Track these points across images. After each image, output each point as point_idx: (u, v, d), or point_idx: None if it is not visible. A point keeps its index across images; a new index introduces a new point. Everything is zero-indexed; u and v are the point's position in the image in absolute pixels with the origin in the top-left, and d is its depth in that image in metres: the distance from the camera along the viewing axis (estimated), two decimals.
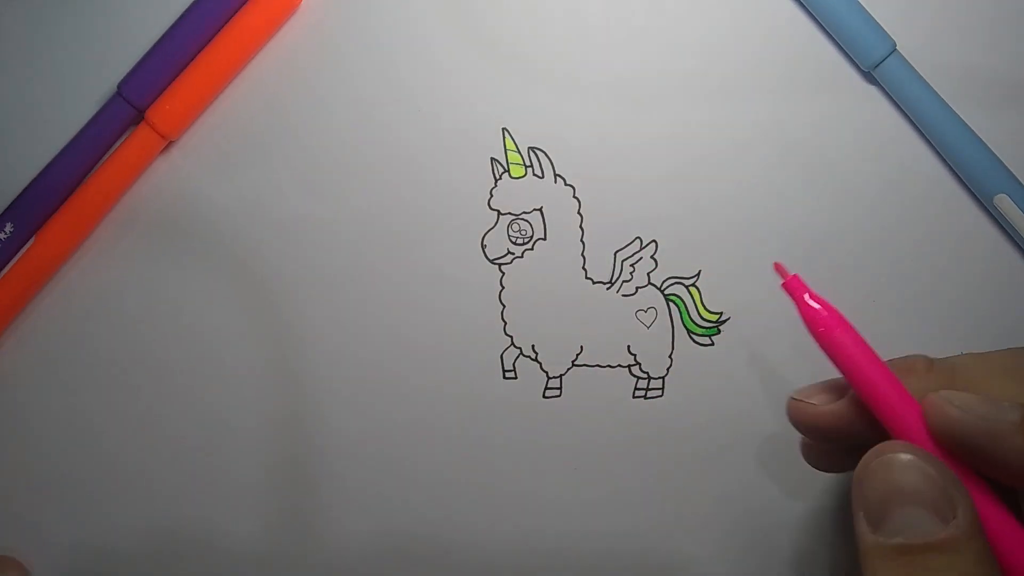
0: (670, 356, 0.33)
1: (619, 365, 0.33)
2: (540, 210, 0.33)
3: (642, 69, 0.33)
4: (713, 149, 0.33)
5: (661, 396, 0.33)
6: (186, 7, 0.33)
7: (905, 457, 0.21)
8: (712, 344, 0.33)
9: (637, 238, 0.33)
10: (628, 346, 0.33)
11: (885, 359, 0.24)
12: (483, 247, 0.33)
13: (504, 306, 0.33)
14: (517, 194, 0.33)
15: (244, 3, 0.33)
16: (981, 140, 0.32)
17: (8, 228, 0.32)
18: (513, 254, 0.33)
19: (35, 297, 0.33)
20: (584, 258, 0.33)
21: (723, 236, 0.33)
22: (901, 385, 0.23)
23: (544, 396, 0.33)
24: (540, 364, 0.33)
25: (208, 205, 0.33)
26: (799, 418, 0.26)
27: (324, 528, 0.33)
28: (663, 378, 0.33)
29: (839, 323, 0.24)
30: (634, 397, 0.33)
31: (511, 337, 0.33)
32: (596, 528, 0.33)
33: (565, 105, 0.33)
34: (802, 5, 0.33)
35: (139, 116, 0.33)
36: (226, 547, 0.33)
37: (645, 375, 0.33)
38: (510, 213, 0.33)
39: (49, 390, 0.33)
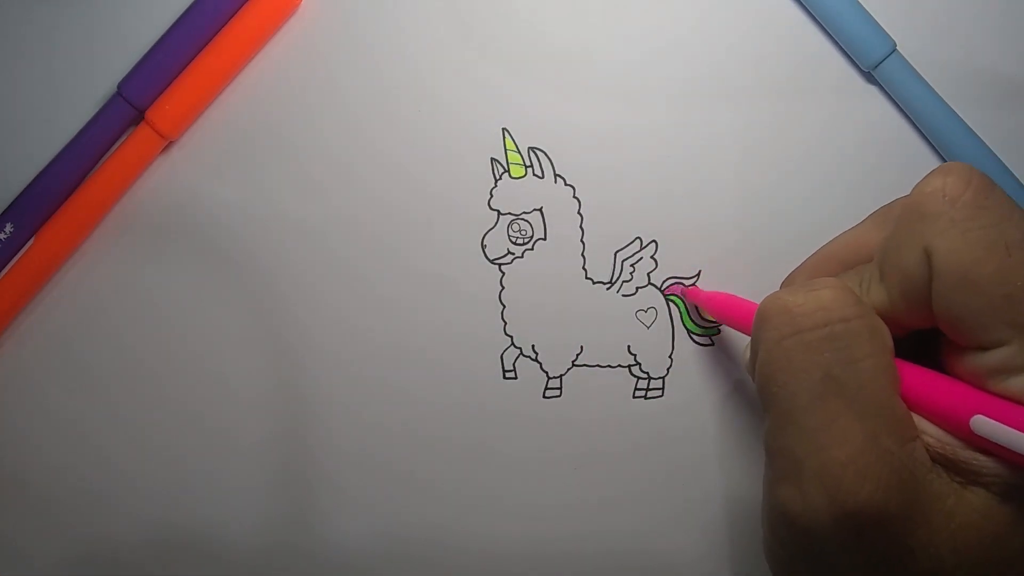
0: (670, 356, 0.33)
1: (619, 365, 0.33)
2: (540, 210, 0.33)
3: (642, 69, 0.33)
4: (713, 149, 0.33)
5: (661, 396, 0.33)
6: (186, 7, 0.33)
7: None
8: (712, 344, 0.33)
9: (637, 238, 0.33)
10: (628, 346, 0.33)
11: None
12: (483, 247, 0.33)
13: (504, 306, 0.33)
14: (517, 194, 0.33)
15: (244, 3, 0.33)
16: (981, 140, 0.32)
17: (8, 228, 0.32)
18: (513, 254, 0.33)
19: (35, 297, 0.33)
20: (584, 258, 0.33)
21: (723, 236, 0.33)
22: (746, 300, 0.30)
23: (544, 396, 0.33)
24: (540, 364, 0.33)
25: (208, 205, 0.33)
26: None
27: (324, 531, 0.33)
28: (663, 378, 0.33)
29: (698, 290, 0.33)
30: (634, 397, 0.33)
31: (511, 337, 0.33)
32: (596, 528, 0.33)
33: (565, 105, 0.33)
34: (802, 5, 0.33)
35: (139, 116, 0.33)
36: (224, 551, 0.33)
37: (645, 375, 0.33)
38: (510, 213, 0.33)
39: (49, 391, 0.33)
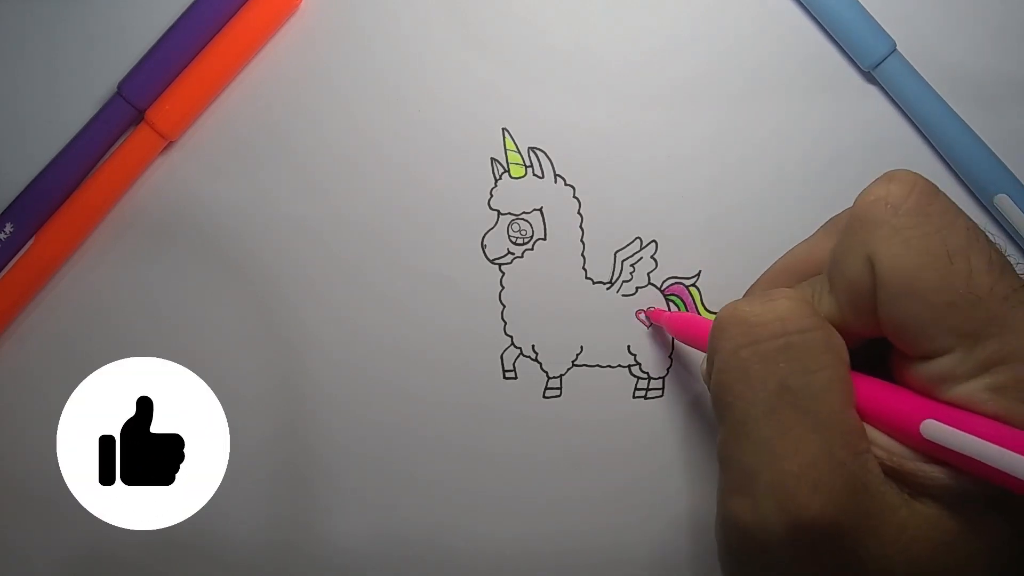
0: (670, 356, 0.33)
1: (619, 365, 0.33)
2: (540, 210, 0.33)
3: (642, 69, 0.33)
4: (713, 149, 0.33)
5: (661, 396, 0.33)
6: (186, 7, 0.33)
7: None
8: None
9: (637, 238, 0.33)
10: (628, 346, 0.33)
11: None
12: (483, 247, 0.33)
13: (504, 306, 0.33)
14: (517, 194, 0.33)
15: (244, 3, 0.33)
16: (981, 140, 0.32)
17: (8, 228, 0.32)
18: (513, 254, 0.33)
19: (35, 297, 0.33)
20: (584, 258, 0.33)
21: (723, 236, 0.33)
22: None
23: (544, 396, 0.33)
24: (540, 364, 0.33)
25: (208, 206, 0.33)
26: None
27: (324, 531, 0.33)
28: (663, 378, 0.33)
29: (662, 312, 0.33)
30: (634, 397, 0.33)
31: (511, 337, 0.33)
32: (595, 528, 0.33)
33: (565, 105, 0.33)
34: (802, 5, 0.33)
35: (139, 116, 0.33)
36: (224, 551, 0.33)
37: (645, 375, 0.33)
38: (510, 213, 0.33)
39: (48, 391, 0.33)
